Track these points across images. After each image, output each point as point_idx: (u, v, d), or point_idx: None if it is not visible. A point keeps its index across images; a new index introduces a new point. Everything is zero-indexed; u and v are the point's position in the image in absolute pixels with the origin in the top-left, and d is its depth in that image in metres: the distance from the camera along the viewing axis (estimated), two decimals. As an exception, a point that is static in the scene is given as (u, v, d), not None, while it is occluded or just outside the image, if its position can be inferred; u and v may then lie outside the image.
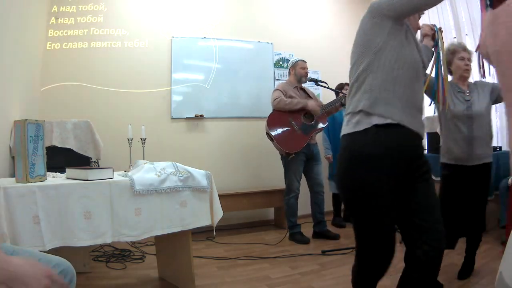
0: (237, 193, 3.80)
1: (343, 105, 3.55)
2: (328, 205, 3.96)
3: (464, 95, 2.23)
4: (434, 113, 2.43)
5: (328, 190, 3.97)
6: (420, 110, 1.47)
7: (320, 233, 3.44)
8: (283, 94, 3.40)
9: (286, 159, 3.40)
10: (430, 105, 2.13)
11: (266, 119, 3.43)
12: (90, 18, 3.72)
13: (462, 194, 2.23)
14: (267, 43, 4.43)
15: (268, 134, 3.39)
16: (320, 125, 3.44)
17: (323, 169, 3.61)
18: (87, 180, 1.82)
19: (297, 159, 3.36)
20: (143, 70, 3.87)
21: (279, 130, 3.34)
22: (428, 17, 4.35)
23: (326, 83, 3.40)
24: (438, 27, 1.72)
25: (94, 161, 3.09)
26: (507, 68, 0.74)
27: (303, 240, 3.33)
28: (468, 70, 2.28)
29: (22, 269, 0.71)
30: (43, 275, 0.74)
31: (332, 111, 3.59)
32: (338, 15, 4.96)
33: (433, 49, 1.70)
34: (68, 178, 1.93)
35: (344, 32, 4.95)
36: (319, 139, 3.85)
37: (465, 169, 2.21)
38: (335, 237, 3.39)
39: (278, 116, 3.38)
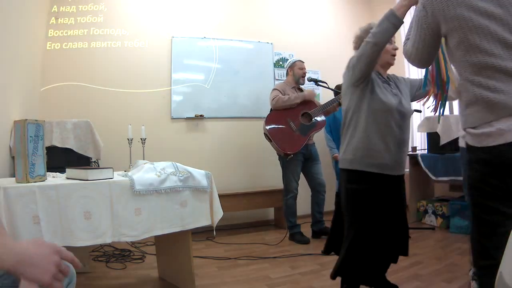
0: (237, 193, 3.80)
1: (340, 104, 3.55)
2: (330, 204, 3.95)
3: (389, 87, 1.84)
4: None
5: (336, 189, 3.97)
6: None
7: (319, 231, 3.43)
8: (281, 93, 3.40)
9: (284, 159, 3.40)
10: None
11: (265, 119, 3.42)
12: (90, 18, 3.72)
13: (386, 213, 1.76)
14: (267, 43, 4.43)
15: (266, 135, 3.39)
16: (318, 126, 3.43)
17: (323, 168, 3.60)
18: (87, 180, 1.82)
19: (295, 159, 3.36)
20: (143, 70, 3.87)
21: (277, 131, 3.34)
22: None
23: (326, 83, 3.40)
24: None
25: (94, 161, 3.09)
26: None
27: (303, 240, 3.33)
28: (394, 56, 1.96)
29: (29, 251, 0.69)
30: (51, 252, 0.71)
31: (330, 110, 3.59)
32: (338, 15, 4.96)
33: None
34: (68, 178, 1.93)
35: (344, 32, 4.95)
36: (318, 139, 3.85)
37: (390, 180, 1.76)
38: None
39: (276, 116, 3.38)
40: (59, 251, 0.73)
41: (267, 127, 3.35)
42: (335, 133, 3.92)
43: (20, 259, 0.67)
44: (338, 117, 3.86)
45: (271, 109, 3.45)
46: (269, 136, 3.33)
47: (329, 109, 3.50)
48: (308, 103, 3.46)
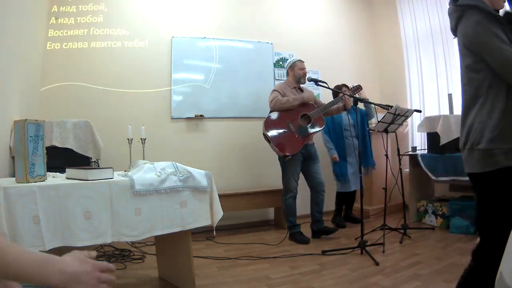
0: (237, 193, 3.80)
1: (345, 109, 3.55)
2: (330, 204, 3.96)
3: None
4: None
5: (336, 189, 3.99)
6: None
7: (318, 231, 3.44)
8: (280, 95, 3.39)
9: (283, 159, 3.40)
10: None
11: (264, 120, 3.42)
12: (90, 18, 3.72)
13: None
14: (267, 43, 4.43)
15: (265, 136, 3.39)
16: (317, 128, 3.44)
17: (322, 168, 3.60)
18: (87, 180, 1.81)
19: (295, 159, 3.36)
20: (143, 70, 3.87)
21: (276, 132, 3.34)
22: (428, 18, 4.36)
23: (326, 83, 3.39)
24: None
25: (94, 161, 3.09)
26: None
27: (303, 240, 3.32)
28: None
29: (76, 269, 0.75)
30: (93, 269, 0.79)
31: (333, 112, 3.58)
32: (338, 15, 4.96)
33: None
34: (68, 178, 1.93)
35: (344, 32, 4.96)
36: (318, 139, 3.85)
37: None
38: (333, 230, 3.39)
39: (276, 117, 3.38)
40: (99, 266, 0.82)
41: (266, 128, 3.35)
42: (333, 134, 3.92)
43: (69, 279, 0.73)
44: (336, 118, 3.86)
45: (270, 110, 3.45)
46: (268, 137, 3.33)
47: (330, 110, 3.50)
48: (308, 105, 3.46)
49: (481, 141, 1.36)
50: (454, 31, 1.49)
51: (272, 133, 3.33)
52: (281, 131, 3.34)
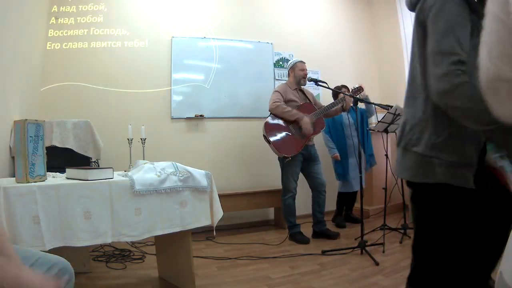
0: (237, 193, 3.80)
1: (344, 110, 3.56)
2: (330, 204, 3.96)
3: None
4: None
5: (338, 189, 3.99)
6: None
7: (320, 233, 3.44)
8: (282, 97, 3.39)
9: (283, 160, 3.40)
10: None
11: (264, 121, 3.42)
12: (90, 18, 3.73)
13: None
14: (267, 43, 4.43)
15: (265, 137, 3.39)
16: (318, 130, 3.44)
17: (323, 169, 3.60)
18: (87, 180, 1.82)
19: (295, 159, 3.36)
20: (143, 70, 3.87)
21: (277, 134, 3.34)
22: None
23: (326, 83, 3.39)
24: None
25: (94, 161, 3.09)
26: None
27: (303, 240, 3.32)
28: None
29: (32, 283, 0.74)
30: None
31: (331, 114, 3.57)
32: (338, 15, 4.96)
33: None
34: (68, 178, 1.93)
35: (344, 32, 4.96)
36: (319, 139, 3.85)
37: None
38: (335, 236, 3.39)
39: (276, 119, 3.38)
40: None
41: (266, 130, 3.35)
42: (334, 134, 3.92)
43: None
44: (336, 117, 3.86)
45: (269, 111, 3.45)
46: (268, 138, 3.33)
47: (330, 112, 3.49)
48: (308, 106, 3.46)
49: (419, 143, 1.08)
50: (414, 5, 1.16)
51: (272, 134, 3.33)
52: (281, 132, 3.34)
